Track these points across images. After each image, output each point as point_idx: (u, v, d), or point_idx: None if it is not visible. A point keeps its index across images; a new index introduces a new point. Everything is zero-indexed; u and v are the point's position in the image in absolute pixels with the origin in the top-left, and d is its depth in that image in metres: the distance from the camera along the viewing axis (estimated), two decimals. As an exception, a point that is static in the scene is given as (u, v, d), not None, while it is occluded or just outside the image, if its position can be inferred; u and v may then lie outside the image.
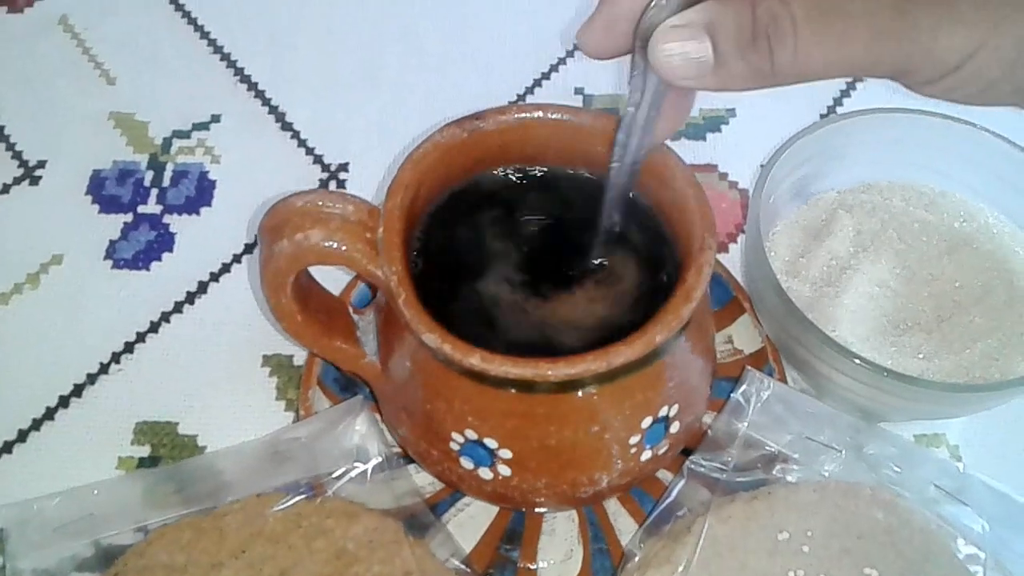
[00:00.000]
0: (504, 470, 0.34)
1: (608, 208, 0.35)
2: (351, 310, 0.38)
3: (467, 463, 0.34)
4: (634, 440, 0.34)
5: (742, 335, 0.44)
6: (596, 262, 0.36)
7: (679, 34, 0.27)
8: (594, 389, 0.32)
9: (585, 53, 0.31)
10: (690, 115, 0.35)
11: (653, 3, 0.28)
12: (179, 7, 0.59)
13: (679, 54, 0.27)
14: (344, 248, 0.32)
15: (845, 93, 0.55)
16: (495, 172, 0.38)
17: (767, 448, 0.39)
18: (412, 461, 0.40)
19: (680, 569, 0.36)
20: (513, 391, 0.31)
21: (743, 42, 0.27)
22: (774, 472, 0.39)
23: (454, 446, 0.34)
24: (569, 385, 0.31)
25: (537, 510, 0.39)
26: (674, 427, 0.36)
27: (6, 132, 0.54)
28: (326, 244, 0.32)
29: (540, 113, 0.36)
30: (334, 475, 0.39)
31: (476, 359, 0.30)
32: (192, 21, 0.59)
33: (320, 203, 0.33)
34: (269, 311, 0.35)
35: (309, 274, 0.36)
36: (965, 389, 0.39)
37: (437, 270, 0.35)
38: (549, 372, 0.30)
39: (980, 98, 0.28)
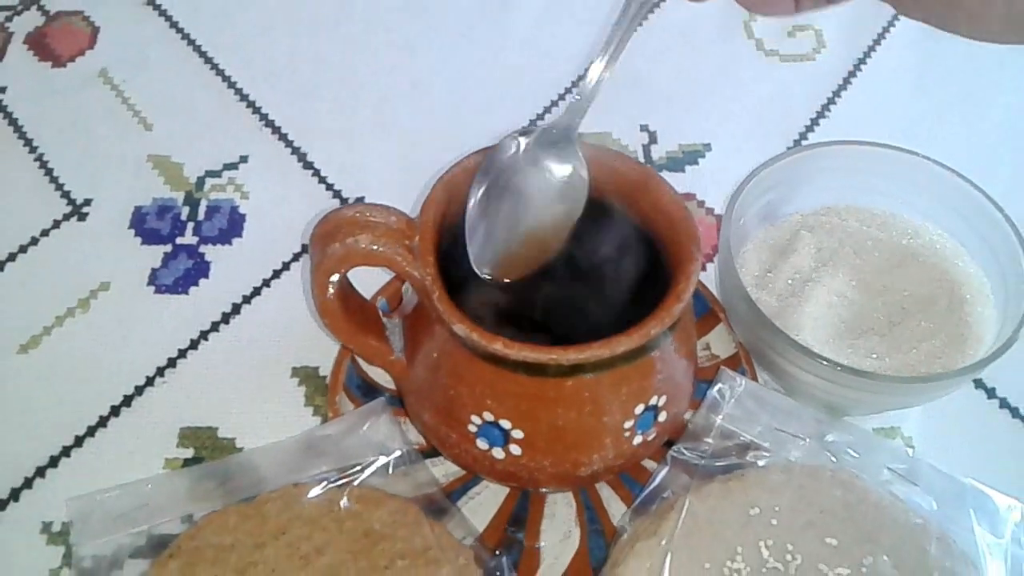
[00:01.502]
0: (515, 450, 0.39)
1: (610, 42, 0.38)
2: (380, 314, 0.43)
3: (482, 444, 0.39)
4: (628, 424, 0.39)
5: (718, 342, 0.49)
6: (596, 272, 0.41)
7: None
8: (597, 375, 0.37)
9: None
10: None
11: None
12: (208, 60, 0.64)
13: None
14: (387, 251, 0.37)
15: (809, 128, 0.61)
16: None
17: (741, 438, 0.44)
18: (429, 456, 0.45)
19: (664, 541, 0.40)
20: (527, 375, 0.36)
21: None
22: (747, 458, 0.43)
23: (472, 428, 0.39)
24: (576, 369, 0.36)
25: (541, 489, 0.44)
26: (662, 416, 0.40)
27: (55, 174, 0.58)
28: (372, 247, 0.37)
29: None
30: (360, 467, 0.43)
31: (499, 345, 0.35)
32: (220, 72, 0.64)
33: (367, 214, 0.38)
34: (315, 309, 0.40)
35: (348, 279, 0.41)
36: (909, 380, 0.43)
37: (460, 273, 0.40)
38: (561, 357, 0.35)
39: None
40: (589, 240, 0.41)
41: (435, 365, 0.40)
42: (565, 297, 0.42)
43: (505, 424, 0.38)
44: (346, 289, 0.41)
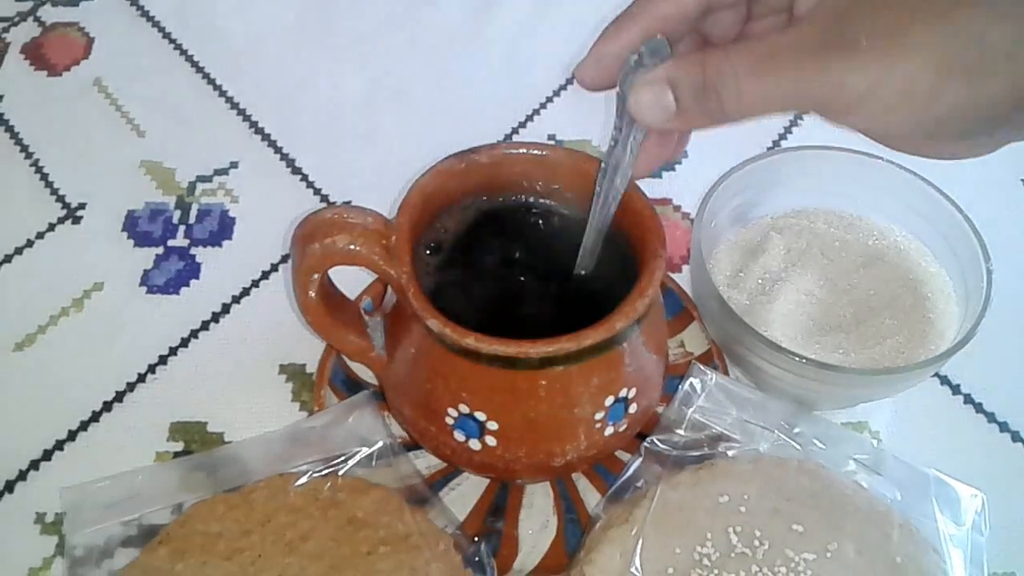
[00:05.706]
0: (491, 441, 0.40)
1: (591, 231, 0.40)
2: (362, 312, 0.45)
3: (459, 436, 0.40)
4: (599, 416, 0.40)
5: (692, 339, 0.51)
6: (569, 271, 0.43)
7: (649, 88, 0.34)
8: (566, 368, 0.38)
9: (580, 84, 0.37)
10: (670, 159, 0.40)
11: (633, 58, 0.34)
12: (199, 69, 0.66)
13: (648, 103, 0.34)
14: (364, 251, 0.39)
15: (783, 136, 0.63)
16: (485, 197, 0.44)
17: (712, 430, 0.45)
18: (412, 449, 0.47)
19: (636, 528, 0.41)
20: (500, 368, 0.37)
21: (697, 93, 0.33)
22: (718, 449, 0.44)
23: (449, 420, 0.40)
24: (546, 362, 0.37)
25: (517, 480, 0.45)
26: (632, 408, 0.42)
27: (50, 179, 0.60)
28: (350, 247, 0.38)
29: (524, 149, 0.43)
30: (345, 457, 0.44)
31: (471, 340, 0.36)
32: (211, 81, 0.65)
33: (345, 215, 0.39)
34: (297, 308, 0.41)
35: (330, 278, 0.42)
36: (872, 373, 0.45)
37: (437, 271, 0.41)
38: (531, 350, 0.36)
39: (888, 124, 0.32)
40: (567, 241, 0.42)
41: (413, 360, 0.41)
42: (544, 294, 0.43)
43: (480, 416, 0.39)
44: (327, 288, 0.42)
